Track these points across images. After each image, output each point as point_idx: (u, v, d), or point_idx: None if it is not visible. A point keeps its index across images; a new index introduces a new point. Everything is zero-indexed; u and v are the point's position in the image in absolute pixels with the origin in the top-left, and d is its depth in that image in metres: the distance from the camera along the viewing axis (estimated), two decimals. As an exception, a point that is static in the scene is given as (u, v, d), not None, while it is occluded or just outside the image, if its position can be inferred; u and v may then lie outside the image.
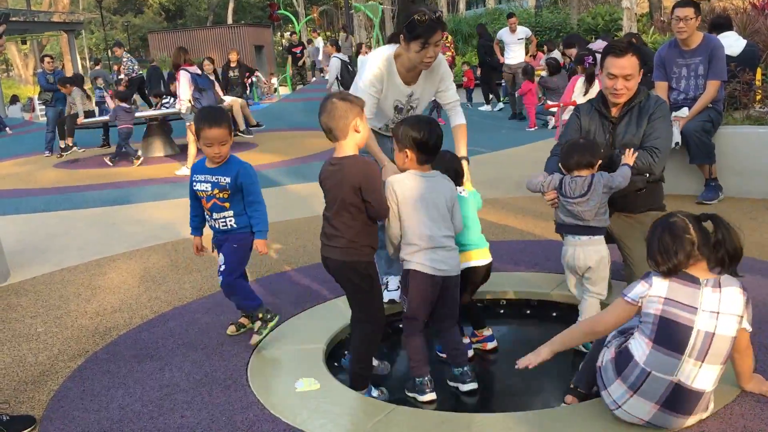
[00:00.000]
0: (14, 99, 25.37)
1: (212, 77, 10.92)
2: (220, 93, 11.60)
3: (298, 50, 21.69)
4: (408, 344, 3.05)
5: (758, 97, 6.91)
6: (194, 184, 3.51)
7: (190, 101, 9.42)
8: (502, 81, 14.55)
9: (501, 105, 14.96)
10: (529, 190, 3.65)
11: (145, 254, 5.64)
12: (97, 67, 19.50)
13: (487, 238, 3.43)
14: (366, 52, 18.02)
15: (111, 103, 12.55)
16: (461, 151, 3.78)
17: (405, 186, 2.97)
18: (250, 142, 12.82)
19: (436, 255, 2.94)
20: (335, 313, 3.83)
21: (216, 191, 3.43)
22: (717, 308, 2.34)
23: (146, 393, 3.13)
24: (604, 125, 3.75)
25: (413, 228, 2.95)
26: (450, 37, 18.59)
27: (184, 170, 9.74)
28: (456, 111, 3.95)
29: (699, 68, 5.78)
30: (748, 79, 6.38)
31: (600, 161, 3.42)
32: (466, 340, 3.41)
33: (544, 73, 12.13)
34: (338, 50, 13.62)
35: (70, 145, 12.83)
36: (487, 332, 3.48)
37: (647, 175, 3.58)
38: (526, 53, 13.39)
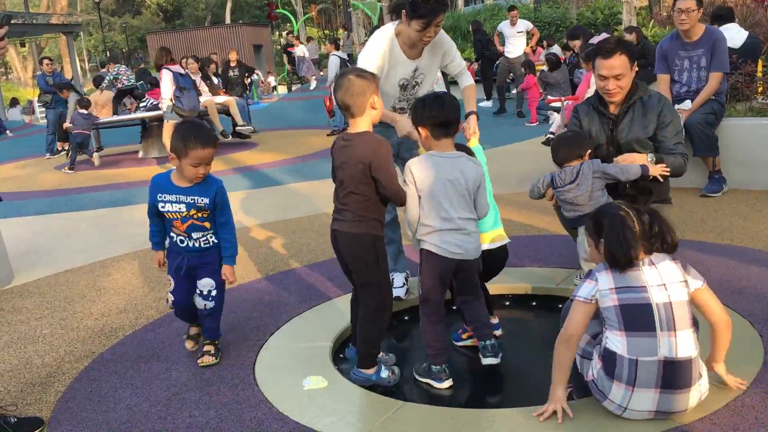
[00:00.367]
0: (14, 102, 25.37)
1: (196, 76, 10.85)
2: (209, 91, 11.59)
3: (294, 49, 21.68)
4: (426, 331, 3.03)
5: (760, 89, 6.90)
6: (161, 204, 3.21)
7: (171, 100, 9.61)
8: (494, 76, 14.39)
9: (488, 103, 14.76)
10: (532, 198, 3.69)
11: (149, 255, 5.62)
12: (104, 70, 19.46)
13: (491, 233, 3.42)
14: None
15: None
16: (470, 106, 3.84)
17: (422, 166, 2.94)
18: (250, 141, 12.81)
19: (451, 237, 2.91)
20: (341, 311, 3.82)
21: (193, 212, 3.20)
22: (661, 281, 2.45)
23: (154, 393, 3.13)
24: (603, 123, 3.74)
25: (429, 209, 2.92)
26: None
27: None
28: (465, 74, 4.03)
29: (701, 60, 5.76)
30: (750, 71, 6.36)
31: (589, 151, 3.46)
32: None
33: (544, 68, 12.10)
34: (337, 48, 13.57)
35: (67, 148, 12.84)
36: (494, 320, 3.48)
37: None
38: (527, 46, 13.33)
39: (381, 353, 3.15)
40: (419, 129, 3.02)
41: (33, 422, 2.92)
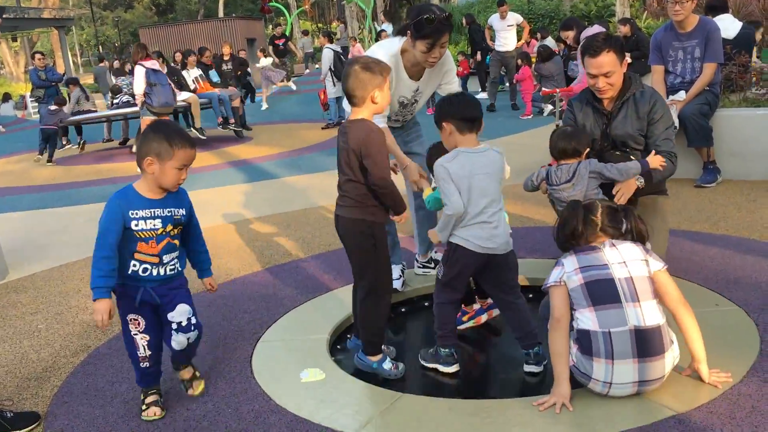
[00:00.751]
0: (6, 97, 25.18)
1: (193, 71, 10.78)
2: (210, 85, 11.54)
3: (281, 42, 21.51)
4: (439, 312, 3.03)
5: (754, 80, 6.91)
6: (134, 223, 2.67)
7: (143, 96, 9.66)
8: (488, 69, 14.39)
9: (484, 95, 14.74)
10: (527, 191, 3.69)
11: (143, 249, 5.61)
12: (102, 64, 19.36)
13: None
14: (354, 45, 17.96)
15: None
16: None
17: (455, 164, 2.90)
18: (245, 135, 12.78)
19: (482, 231, 2.90)
20: (338, 303, 3.82)
21: (169, 227, 2.74)
22: (621, 259, 2.62)
23: (151, 387, 3.12)
24: (597, 119, 3.73)
25: (467, 203, 2.89)
26: None
27: None
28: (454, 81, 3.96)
29: (695, 51, 5.76)
30: (744, 62, 6.37)
31: (588, 149, 3.44)
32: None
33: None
34: (330, 41, 13.53)
35: (64, 143, 12.81)
36: (477, 307, 3.49)
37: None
38: (518, 40, 13.26)
39: (384, 347, 3.14)
40: (444, 125, 2.99)
41: (29, 417, 2.92)
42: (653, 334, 2.51)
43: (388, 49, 3.68)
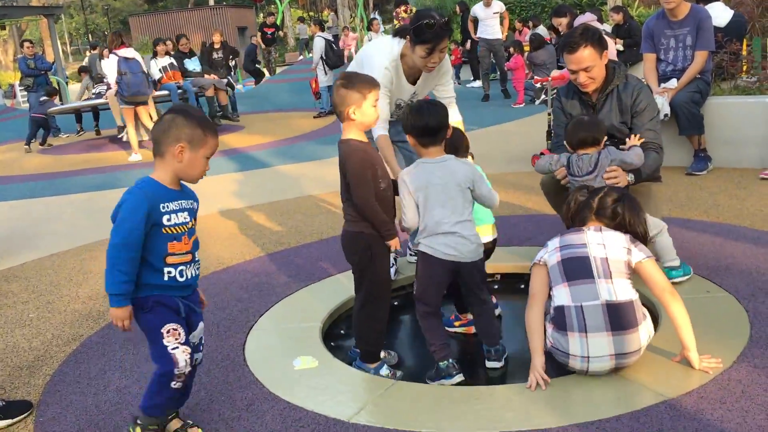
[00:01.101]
0: (-5, 86, 25.04)
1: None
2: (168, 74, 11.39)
3: (270, 30, 21.35)
4: (424, 327, 3.01)
5: (745, 68, 6.93)
6: (167, 218, 2.35)
7: (116, 84, 9.68)
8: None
9: (478, 83, 14.72)
10: (539, 172, 3.66)
11: (135, 238, 5.59)
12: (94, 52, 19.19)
13: (479, 213, 3.42)
14: (347, 34, 17.86)
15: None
16: None
17: (413, 175, 2.95)
18: (237, 124, 12.73)
19: (447, 240, 2.90)
20: (330, 292, 3.83)
21: (193, 221, 2.49)
22: (602, 241, 2.73)
23: (144, 375, 3.11)
24: (583, 109, 3.73)
25: (424, 214, 2.93)
26: None
27: (135, 156, 9.91)
28: (453, 106, 3.92)
29: (687, 39, 5.77)
30: (735, 50, 6.38)
31: (606, 138, 3.42)
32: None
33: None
34: (322, 29, 13.47)
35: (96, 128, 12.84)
36: (492, 299, 3.49)
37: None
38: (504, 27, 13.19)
39: (385, 353, 3.13)
40: (408, 137, 3.01)
41: (21, 406, 2.91)
42: (625, 308, 2.58)
43: (389, 52, 3.67)
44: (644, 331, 2.62)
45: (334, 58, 12.38)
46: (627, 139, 3.51)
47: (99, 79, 13.00)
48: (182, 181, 2.48)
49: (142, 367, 3.19)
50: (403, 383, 2.83)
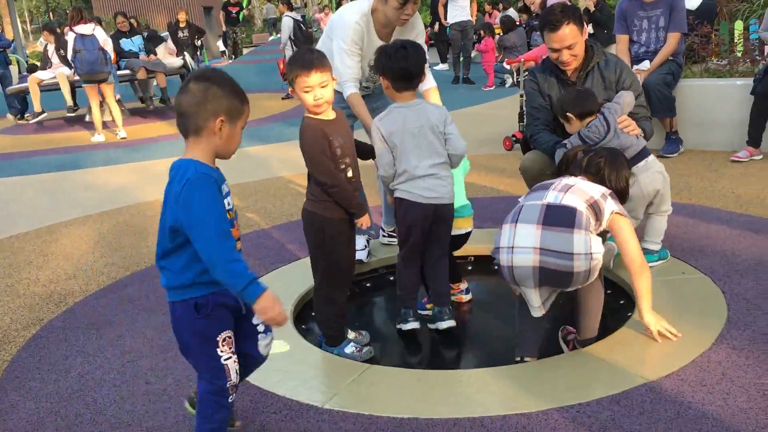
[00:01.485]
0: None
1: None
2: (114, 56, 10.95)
3: (234, 9, 20.95)
4: (400, 274, 3.04)
5: (716, 51, 6.94)
6: (226, 202, 2.04)
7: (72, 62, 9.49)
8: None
9: (445, 66, 14.62)
10: (558, 166, 3.59)
11: (98, 219, 5.43)
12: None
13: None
14: (327, 14, 17.64)
15: None
16: None
17: (386, 121, 2.91)
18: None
19: (425, 183, 2.89)
20: (300, 274, 3.72)
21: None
22: (575, 183, 2.68)
23: (107, 361, 3.00)
24: (562, 89, 3.67)
25: (400, 160, 2.90)
26: None
27: (98, 137, 9.69)
28: (426, 74, 3.80)
29: (660, 20, 5.75)
30: (706, 32, 6.38)
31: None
32: None
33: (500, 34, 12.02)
34: (290, 9, 13.24)
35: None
36: (463, 285, 3.44)
37: None
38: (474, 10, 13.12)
39: (356, 333, 3.07)
40: (382, 78, 2.95)
41: (-22, 393, 2.76)
42: (565, 209, 2.53)
43: (358, 8, 3.56)
44: (582, 240, 2.46)
45: (303, 38, 12.18)
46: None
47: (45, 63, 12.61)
48: (228, 157, 2.16)
49: (106, 353, 3.07)
50: (377, 367, 2.75)
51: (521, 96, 6.71)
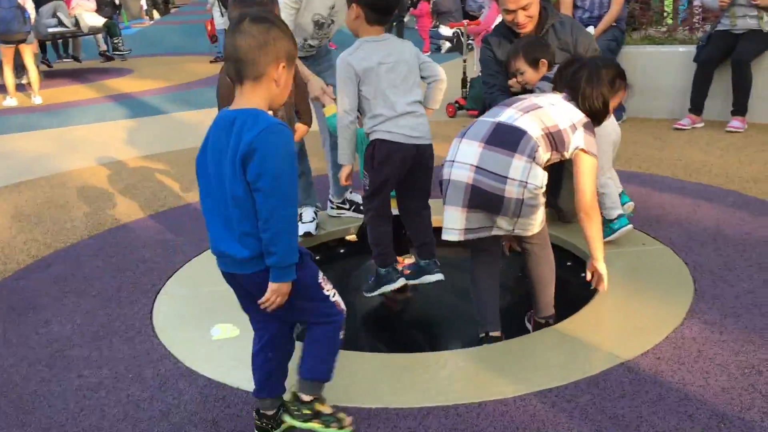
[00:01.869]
0: None
1: None
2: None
3: None
4: (370, 231, 2.84)
5: (652, 18, 6.94)
6: None
7: None
8: None
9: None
10: None
11: (15, 191, 4.99)
12: None
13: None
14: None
15: None
16: None
17: (359, 56, 2.69)
18: (125, 66, 11.85)
19: (405, 121, 2.69)
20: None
21: None
22: (555, 102, 2.53)
23: (32, 351, 2.69)
24: None
25: (377, 99, 2.69)
26: None
27: (10, 100, 9.06)
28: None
29: (604, -15, 5.66)
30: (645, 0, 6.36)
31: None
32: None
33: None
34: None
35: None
36: (409, 260, 3.26)
37: None
38: None
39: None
40: (354, 6, 2.68)
41: None
42: (514, 131, 2.39)
43: None
44: (520, 166, 2.33)
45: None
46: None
47: None
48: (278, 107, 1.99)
49: (31, 341, 2.77)
50: (346, 352, 2.53)
51: (464, 61, 6.54)
